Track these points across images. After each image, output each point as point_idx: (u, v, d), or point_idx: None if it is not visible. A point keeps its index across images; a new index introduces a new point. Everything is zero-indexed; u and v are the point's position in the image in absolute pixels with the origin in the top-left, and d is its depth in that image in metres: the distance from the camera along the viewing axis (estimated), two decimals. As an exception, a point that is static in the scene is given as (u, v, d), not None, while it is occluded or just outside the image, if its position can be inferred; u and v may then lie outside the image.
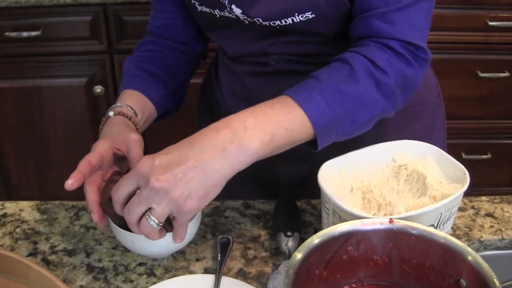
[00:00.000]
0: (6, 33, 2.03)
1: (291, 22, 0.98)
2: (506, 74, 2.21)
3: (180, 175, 0.79)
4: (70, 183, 0.86)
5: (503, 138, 2.39)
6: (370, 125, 0.95)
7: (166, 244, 0.91)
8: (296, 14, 0.97)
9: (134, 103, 1.05)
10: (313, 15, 0.97)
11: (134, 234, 0.88)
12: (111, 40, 2.10)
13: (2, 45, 2.07)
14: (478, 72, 2.21)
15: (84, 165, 0.89)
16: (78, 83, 2.15)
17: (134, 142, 0.92)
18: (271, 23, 0.99)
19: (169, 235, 0.88)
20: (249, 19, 1.00)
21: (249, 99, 1.12)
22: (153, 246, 0.91)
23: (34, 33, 2.04)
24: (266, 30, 1.02)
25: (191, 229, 0.93)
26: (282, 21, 0.98)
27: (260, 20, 0.99)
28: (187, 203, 0.81)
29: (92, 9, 2.04)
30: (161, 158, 0.81)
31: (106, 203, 0.89)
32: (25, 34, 2.04)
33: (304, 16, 0.97)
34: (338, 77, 0.91)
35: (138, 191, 0.82)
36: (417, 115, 1.19)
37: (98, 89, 2.14)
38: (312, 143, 0.91)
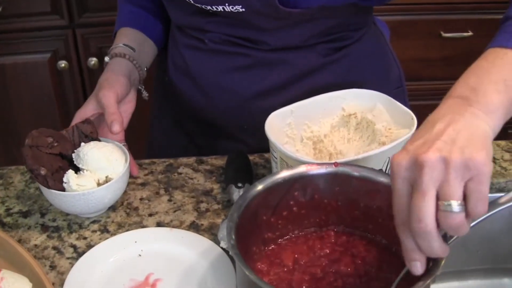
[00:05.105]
0: (-35, 11, 2.00)
1: (221, 10, 0.98)
2: (470, 33, 2.21)
3: (445, 138, 0.64)
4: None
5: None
6: None
7: (96, 199, 0.92)
8: (226, 4, 0.97)
9: (129, 41, 1.09)
10: (243, 9, 0.97)
11: (63, 192, 0.91)
12: (72, 14, 2.08)
13: (-39, 24, 2.04)
14: (442, 32, 2.21)
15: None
16: (42, 59, 2.13)
17: (106, 97, 0.99)
18: (203, 7, 0.99)
19: (99, 189, 0.91)
20: None
21: (187, 72, 1.12)
22: (85, 203, 0.92)
23: (-6, 10, 2.01)
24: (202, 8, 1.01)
25: (120, 188, 0.96)
26: (213, 7, 0.98)
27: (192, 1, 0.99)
28: (475, 156, 0.62)
29: (52, -17, 2.01)
30: (410, 143, 0.67)
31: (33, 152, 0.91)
32: (-16, 11, 2.01)
33: (235, 8, 0.97)
34: None
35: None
36: None
37: (62, 64, 2.12)
38: None
